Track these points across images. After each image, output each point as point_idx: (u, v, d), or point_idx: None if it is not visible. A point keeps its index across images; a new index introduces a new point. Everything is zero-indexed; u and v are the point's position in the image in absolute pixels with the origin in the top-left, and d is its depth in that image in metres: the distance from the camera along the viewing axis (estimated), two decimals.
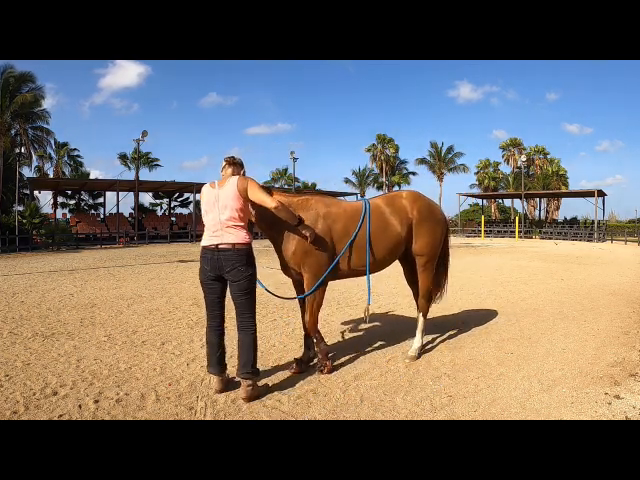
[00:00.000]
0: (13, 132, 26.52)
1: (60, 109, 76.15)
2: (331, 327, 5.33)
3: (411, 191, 4.33)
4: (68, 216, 34.65)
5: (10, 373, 3.74)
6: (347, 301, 7.00)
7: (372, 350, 4.38)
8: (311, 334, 3.78)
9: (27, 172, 34.45)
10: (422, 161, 48.36)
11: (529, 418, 2.89)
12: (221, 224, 3.19)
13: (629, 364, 3.93)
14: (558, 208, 46.09)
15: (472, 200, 49.43)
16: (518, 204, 44.92)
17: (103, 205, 36.84)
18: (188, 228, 32.09)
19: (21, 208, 26.39)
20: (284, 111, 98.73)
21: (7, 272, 11.65)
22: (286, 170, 49.35)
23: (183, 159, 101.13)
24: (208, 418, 2.92)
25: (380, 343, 4.62)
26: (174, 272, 11.40)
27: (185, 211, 40.78)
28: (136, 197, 31.55)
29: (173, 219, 37.71)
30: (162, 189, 38.04)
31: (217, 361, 3.31)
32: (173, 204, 41.23)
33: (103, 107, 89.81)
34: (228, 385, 3.39)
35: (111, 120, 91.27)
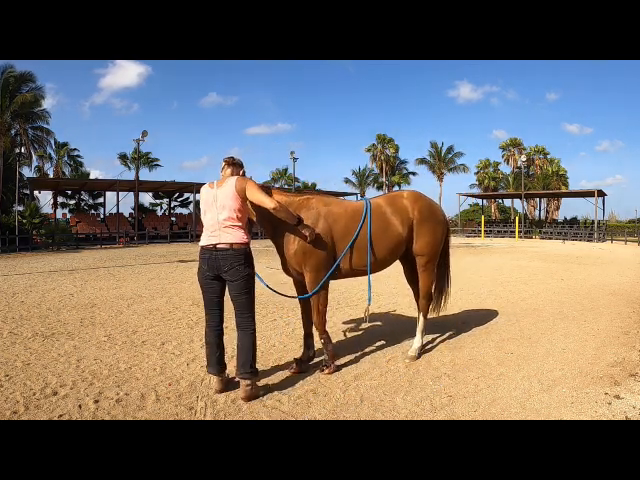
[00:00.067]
0: (13, 132, 26.52)
1: (60, 109, 76.30)
2: (331, 327, 5.32)
3: (412, 191, 4.34)
4: (68, 216, 34.64)
5: (10, 373, 3.74)
6: (347, 301, 7.00)
7: (372, 350, 4.38)
8: (320, 334, 3.78)
9: (27, 172, 34.53)
10: (422, 161, 48.39)
11: (529, 418, 2.89)
12: (219, 224, 3.20)
13: (629, 364, 3.93)
14: (558, 208, 46.10)
15: (472, 200, 49.47)
16: (518, 204, 45.00)
17: (103, 205, 36.86)
18: (188, 228, 32.09)
19: (21, 208, 26.40)
20: (284, 111, 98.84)
21: (7, 272, 11.65)
22: (286, 170, 49.37)
23: (183, 159, 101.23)
24: (208, 418, 2.92)
25: (380, 343, 4.62)
26: (174, 272, 11.41)
27: (185, 211, 40.83)
28: (136, 197, 31.56)
29: (173, 219, 37.72)
30: (162, 189, 38.05)
31: (217, 361, 3.32)
32: (173, 204, 41.25)
33: (103, 107, 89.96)
34: (228, 385, 3.39)
35: (111, 120, 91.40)
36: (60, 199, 37.92)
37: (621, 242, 28.41)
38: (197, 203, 33.41)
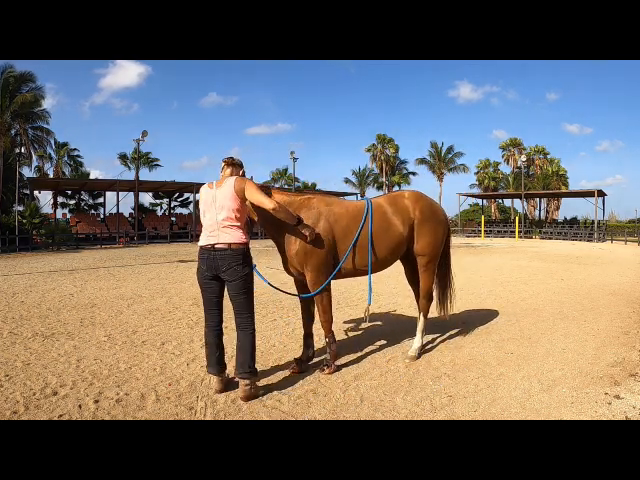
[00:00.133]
0: (13, 132, 26.52)
1: (60, 109, 76.34)
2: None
3: (413, 191, 4.34)
4: (68, 216, 34.63)
5: (10, 373, 3.74)
6: (347, 301, 7.00)
7: (372, 350, 4.38)
8: (326, 333, 3.79)
9: (27, 172, 34.53)
10: (422, 161, 48.39)
11: (529, 418, 2.89)
12: (218, 224, 3.20)
13: (629, 364, 3.93)
14: (558, 208, 46.10)
15: (472, 200, 49.47)
16: (518, 204, 44.99)
17: (103, 205, 36.85)
18: (188, 228, 32.08)
19: (21, 208, 26.39)
20: (284, 111, 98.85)
21: (7, 272, 11.65)
22: (286, 170, 49.35)
23: (183, 159, 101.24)
24: (208, 418, 2.92)
25: (380, 343, 4.62)
26: (174, 272, 11.41)
27: (185, 211, 40.83)
28: (136, 197, 31.55)
29: (173, 219, 37.71)
30: (162, 189, 38.04)
31: (216, 361, 3.32)
32: (173, 204, 41.24)
33: (103, 107, 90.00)
34: (228, 385, 3.39)
35: (111, 120, 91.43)
36: (60, 199, 37.93)
37: (621, 242, 28.41)
38: (197, 203, 33.32)
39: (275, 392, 3.32)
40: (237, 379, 3.28)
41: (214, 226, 3.22)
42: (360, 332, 5.12)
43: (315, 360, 3.99)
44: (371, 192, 50.04)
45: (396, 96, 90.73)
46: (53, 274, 11.08)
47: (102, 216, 35.26)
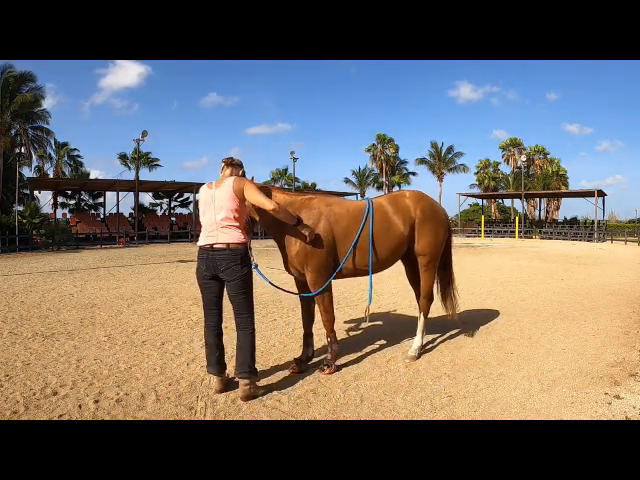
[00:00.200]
0: (13, 132, 26.52)
1: (60, 109, 76.27)
2: None
3: (414, 191, 4.34)
4: (68, 216, 34.63)
5: (10, 373, 3.74)
6: (347, 301, 7.00)
7: (372, 350, 4.38)
8: (328, 333, 3.80)
9: (27, 172, 34.53)
10: (422, 161, 48.39)
11: (529, 418, 2.89)
12: (216, 224, 3.21)
13: (629, 364, 3.93)
14: (558, 208, 46.09)
15: (472, 200, 49.46)
16: (518, 204, 44.99)
17: (103, 205, 36.85)
18: (188, 228, 32.08)
19: (21, 208, 26.39)
20: (284, 111, 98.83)
21: (7, 272, 11.65)
22: (286, 170, 49.35)
23: (183, 159, 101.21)
24: (208, 418, 2.92)
25: (380, 343, 4.62)
26: (174, 272, 11.41)
27: (185, 211, 40.80)
28: (136, 197, 31.56)
29: (173, 219, 37.70)
30: (162, 189, 38.04)
31: (216, 361, 3.32)
32: (173, 204, 41.23)
33: (103, 107, 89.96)
34: (228, 385, 3.39)
35: (111, 120, 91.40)
36: (60, 199, 37.92)
37: (621, 242, 28.41)
38: (197, 203, 33.28)
39: (275, 392, 3.32)
40: (237, 379, 3.28)
41: (213, 226, 3.22)
42: (360, 332, 5.12)
43: (315, 360, 4.00)
44: (371, 192, 50.13)
45: (396, 96, 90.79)
46: (53, 274, 11.08)
47: (102, 216, 35.26)
